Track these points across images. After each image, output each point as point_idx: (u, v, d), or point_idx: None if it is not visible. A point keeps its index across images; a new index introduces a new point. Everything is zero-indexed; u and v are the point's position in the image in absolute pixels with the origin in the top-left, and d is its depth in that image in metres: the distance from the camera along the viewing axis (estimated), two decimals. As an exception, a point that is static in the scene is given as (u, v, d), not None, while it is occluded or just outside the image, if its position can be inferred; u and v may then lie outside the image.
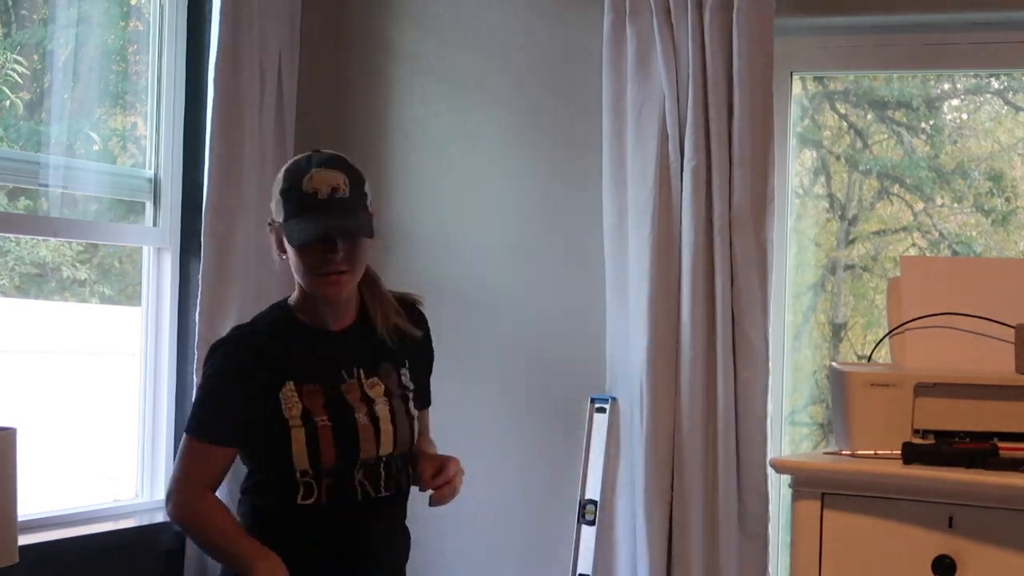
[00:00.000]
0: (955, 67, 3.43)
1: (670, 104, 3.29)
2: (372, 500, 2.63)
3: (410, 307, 2.78)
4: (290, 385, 2.59)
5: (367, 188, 2.61)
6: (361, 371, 2.66)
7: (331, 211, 2.52)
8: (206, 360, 2.67)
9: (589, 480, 3.39)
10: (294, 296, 2.68)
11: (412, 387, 2.72)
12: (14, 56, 3.29)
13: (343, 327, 2.67)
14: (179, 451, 2.66)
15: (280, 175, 2.61)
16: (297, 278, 2.63)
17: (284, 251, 2.59)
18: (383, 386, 2.67)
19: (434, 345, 2.83)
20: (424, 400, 2.81)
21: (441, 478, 2.66)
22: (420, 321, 2.79)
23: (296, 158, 2.63)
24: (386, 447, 2.63)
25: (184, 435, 2.65)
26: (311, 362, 2.62)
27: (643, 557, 3.27)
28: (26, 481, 2.59)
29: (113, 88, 3.58)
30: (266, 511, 2.64)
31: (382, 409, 2.64)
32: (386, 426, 2.63)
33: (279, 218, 2.58)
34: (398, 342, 2.72)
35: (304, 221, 2.52)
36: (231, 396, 2.61)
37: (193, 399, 2.73)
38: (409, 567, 2.75)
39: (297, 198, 2.54)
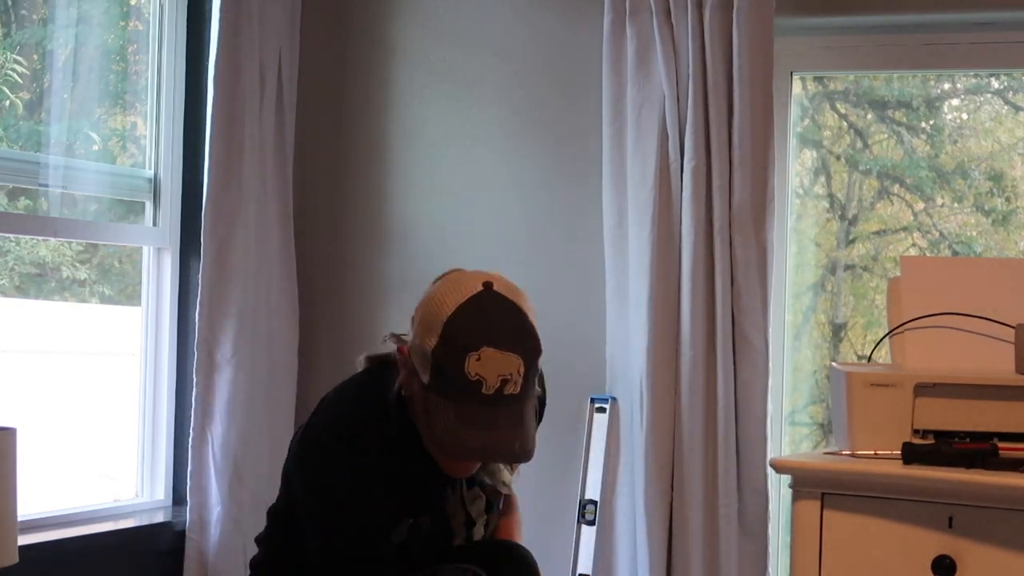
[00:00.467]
0: (955, 67, 3.43)
1: (670, 104, 3.29)
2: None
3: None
4: (407, 521, 2.18)
5: (540, 361, 2.09)
6: (464, 482, 2.25)
7: (495, 416, 1.99)
8: (315, 462, 2.16)
9: (589, 480, 3.39)
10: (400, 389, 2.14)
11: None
12: (14, 56, 3.29)
13: (468, 473, 2.27)
14: None
15: (436, 321, 2.01)
16: (424, 431, 2.11)
17: (417, 401, 2.10)
18: (484, 499, 2.27)
19: None
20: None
21: None
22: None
23: (463, 302, 2.03)
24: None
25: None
26: (425, 493, 2.19)
27: (643, 557, 3.27)
28: (26, 481, 2.58)
29: (113, 88, 3.58)
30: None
31: (479, 531, 2.29)
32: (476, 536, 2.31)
33: (423, 375, 2.04)
34: None
35: (459, 421, 2.00)
36: (374, 513, 2.13)
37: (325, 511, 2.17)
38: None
39: (453, 380, 1.99)
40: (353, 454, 2.13)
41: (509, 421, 2.01)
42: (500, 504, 2.32)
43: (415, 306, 2.14)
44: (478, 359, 1.98)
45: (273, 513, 2.39)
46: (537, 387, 2.22)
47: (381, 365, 2.25)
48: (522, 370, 2.01)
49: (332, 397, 2.28)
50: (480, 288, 2.07)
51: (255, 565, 2.39)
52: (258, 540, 2.44)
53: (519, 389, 2.00)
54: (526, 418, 2.04)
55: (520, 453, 2.04)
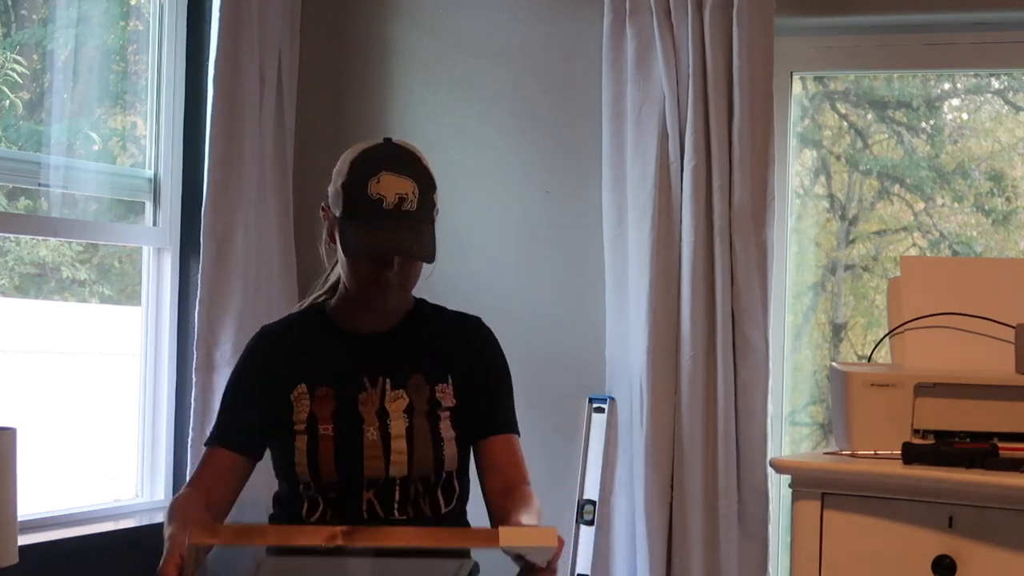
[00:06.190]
0: (955, 67, 3.43)
1: (670, 104, 3.29)
2: (383, 522, 2.42)
3: (465, 321, 2.59)
4: (301, 387, 2.46)
5: (436, 196, 2.44)
6: (388, 381, 2.48)
7: (395, 225, 2.35)
8: None
9: (587, 480, 3.39)
10: (335, 295, 2.54)
11: (452, 405, 2.49)
12: (14, 56, 3.29)
13: (379, 331, 2.51)
14: None
15: (345, 163, 2.43)
16: (343, 277, 2.48)
17: (335, 242, 2.44)
18: (407, 400, 2.46)
19: (496, 362, 2.58)
20: (489, 423, 2.52)
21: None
22: (468, 333, 2.57)
23: (366, 147, 2.44)
24: (398, 468, 2.44)
25: None
26: (329, 365, 2.47)
27: (642, 557, 3.27)
28: (26, 481, 2.58)
29: (113, 88, 3.58)
30: (279, 523, 2.51)
31: (397, 425, 2.44)
32: (399, 444, 2.44)
33: (336, 210, 2.42)
34: (445, 354, 2.52)
35: (363, 230, 2.36)
36: (241, 396, 2.51)
37: None
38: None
39: (359, 200, 2.37)
40: (245, 349, 2.57)
41: (408, 229, 2.35)
42: (445, 419, 2.47)
43: None
44: (378, 182, 2.35)
45: None
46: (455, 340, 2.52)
47: None
48: (416, 192, 2.36)
49: None
50: (380, 141, 2.46)
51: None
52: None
53: (415, 207, 2.36)
54: (423, 232, 2.38)
55: (417, 252, 2.37)
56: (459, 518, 2.57)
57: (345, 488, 2.44)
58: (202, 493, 2.43)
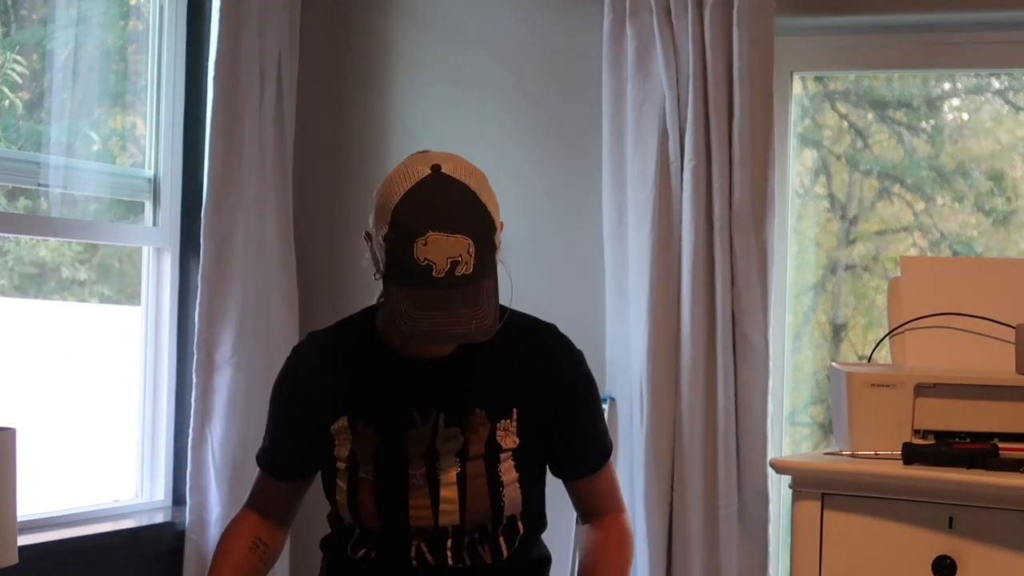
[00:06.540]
0: (956, 67, 3.43)
1: (670, 104, 3.29)
2: (435, 570, 2.18)
3: (536, 338, 2.24)
4: (343, 420, 2.18)
5: (498, 237, 2.07)
6: (441, 417, 2.16)
7: (446, 299, 1.98)
8: None
9: (589, 480, 3.38)
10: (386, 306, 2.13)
11: (513, 446, 2.18)
12: (14, 56, 3.29)
13: (435, 355, 2.17)
14: None
15: (387, 208, 2.02)
16: (384, 317, 2.15)
17: (380, 275, 2.09)
18: (461, 442, 2.15)
19: (574, 390, 2.25)
20: (571, 465, 2.25)
21: None
22: (540, 354, 2.23)
23: (410, 187, 2.02)
24: (448, 517, 2.16)
25: None
26: (374, 394, 2.16)
27: (643, 557, 3.27)
28: (26, 481, 2.58)
29: (113, 88, 3.58)
30: (327, 558, 2.32)
31: (447, 470, 2.14)
32: (449, 492, 2.14)
33: (380, 259, 2.06)
34: (512, 380, 2.19)
35: (412, 308, 1.99)
36: (281, 420, 2.27)
37: None
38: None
39: (403, 264, 1.99)
40: (288, 360, 2.31)
41: (463, 301, 1.98)
42: (507, 460, 2.17)
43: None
44: (425, 244, 1.98)
45: None
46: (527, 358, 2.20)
47: None
48: (472, 251, 1.99)
49: None
50: (428, 172, 2.05)
51: None
52: None
53: (471, 269, 1.99)
54: (483, 297, 2.01)
55: (476, 332, 2.00)
56: (524, 557, 2.28)
57: (390, 536, 2.19)
58: (260, 514, 2.32)
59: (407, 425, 2.16)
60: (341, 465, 2.18)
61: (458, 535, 2.18)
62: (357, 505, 2.17)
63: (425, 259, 1.97)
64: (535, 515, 2.29)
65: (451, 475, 2.14)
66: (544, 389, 2.21)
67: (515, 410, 2.19)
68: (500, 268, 2.09)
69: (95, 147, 3.52)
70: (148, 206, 3.57)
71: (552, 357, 2.25)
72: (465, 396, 2.17)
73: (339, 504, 2.20)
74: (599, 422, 2.30)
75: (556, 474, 2.30)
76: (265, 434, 2.32)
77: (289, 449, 2.26)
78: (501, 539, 2.21)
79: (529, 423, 2.19)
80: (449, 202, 2.02)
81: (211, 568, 2.27)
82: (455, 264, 1.98)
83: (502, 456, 2.17)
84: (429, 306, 1.98)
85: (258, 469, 2.34)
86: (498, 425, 2.18)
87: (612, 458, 2.34)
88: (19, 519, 2.54)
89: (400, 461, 2.15)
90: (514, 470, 2.17)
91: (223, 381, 3.42)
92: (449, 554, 2.18)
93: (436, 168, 2.06)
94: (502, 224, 2.12)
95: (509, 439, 2.18)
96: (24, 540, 2.75)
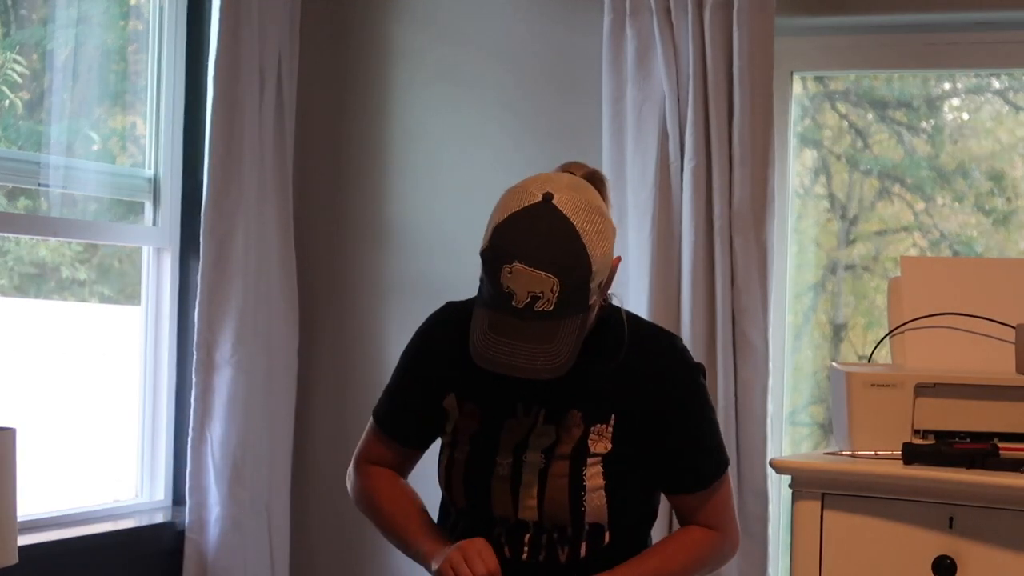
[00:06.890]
0: (956, 67, 3.43)
1: (670, 104, 3.29)
2: (510, 563, 2.18)
3: (651, 338, 2.22)
4: (452, 397, 2.21)
5: (593, 284, 2.01)
6: (542, 413, 2.17)
7: (518, 332, 1.97)
8: None
9: (589, 480, 3.38)
10: None
11: (605, 451, 2.16)
12: (14, 56, 3.29)
13: None
14: None
15: (493, 220, 2.05)
16: None
17: None
18: (552, 439, 2.15)
19: (684, 405, 2.20)
20: (678, 481, 2.22)
21: None
22: (651, 365, 2.18)
23: (519, 209, 2.02)
24: (528, 512, 2.16)
25: None
26: (484, 378, 2.09)
27: (643, 557, 3.27)
28: (26, 481, 2.58)
29: (113, 88, 3.58)
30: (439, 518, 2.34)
31: (531, 465, 2.15)
32: (528, 487, 2.14)
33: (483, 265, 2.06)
34: (615, 387, 2.16)
35: (488, 323, 2.00)
36: (406, 387, 2.28)
37: None
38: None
39: (490, 284, 2.00)
40: (423, 325, 2.30)
41: (537, 336, 1.97)
42: (595, 465, 2.15)
43: None
44: (511, 273, 1.97)
45: None
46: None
47: None
48: (556, 289, 1.96)
49: None
50: (538, 199, 2.03)
51: None
52: None
53: (552, 307, 1.96)
54: (559, 335, 1.98)
55: (542, 370, 1.98)
56: (601, 563, 2.22)
57: (477, 520, 2.20)
58: (377, 469, 2.32)
59: (508, 414, 2.18)
60: (447, 439, 2.22)
61: (537, 531, 2.18)
62: (451, 482, 2.20)
63: (508, 287, 1.97)
64: (625, 528, 2.24)
65: (533, 471, 2.15)
66: (651, 397, 2.18)
67: (613, 416, 2.17)
68: (614, 299, 2.14)
69: (95, 147, 3.52)
70: (148, 206, 3.57)
71: (665, 365, 2.21)
72: (566, 396, 2.16)
73: (439, 478, 2.24)
74: (708, 436, 2.27)
75: (661, 488, 2.29)
76: (385, 390, 2.33)
77: (407, 412, 2.28)
78: (583, 545, 2.19)
79: (628, 430, 2.17)
80: (545, 237, 2.00)
81: (381, 500, 2.27)
82: (535, 299, 1.96)
83: (590, 460, 2.16)
84: (503, 332, 1.98)
85: (371, 420, 2.33)
86: (592, 429, 2.16)
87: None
88: (19, 519, 2.54)
89: (492, 448, 2.17)
90: (601, 476, 2.16)
91: (223, 381, 3.42)
92: (526, 549, 2.18)
93: (548, 197, 2.04)
94: (619, 259, 2.11)
95: (601, 444, 2.17)
96: (24, 540, 2.76)
